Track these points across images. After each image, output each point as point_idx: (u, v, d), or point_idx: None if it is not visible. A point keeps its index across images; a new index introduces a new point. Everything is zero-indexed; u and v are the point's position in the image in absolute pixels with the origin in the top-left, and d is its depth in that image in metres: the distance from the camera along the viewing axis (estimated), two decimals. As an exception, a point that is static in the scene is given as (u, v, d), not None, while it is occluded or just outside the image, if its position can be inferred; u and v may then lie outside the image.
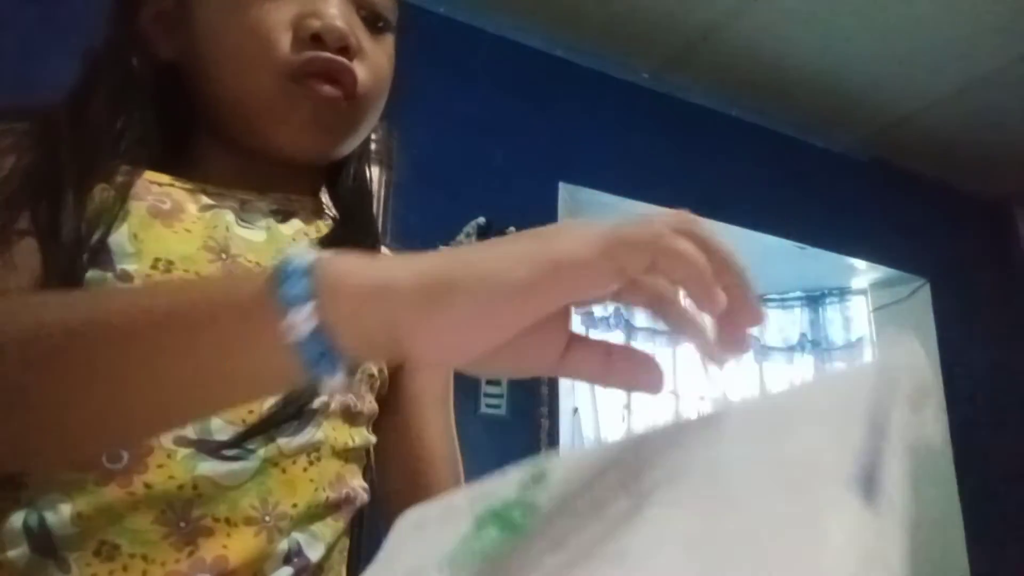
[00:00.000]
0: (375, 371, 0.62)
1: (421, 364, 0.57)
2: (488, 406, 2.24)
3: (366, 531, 0.65)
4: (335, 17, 0.57)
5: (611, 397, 3.04)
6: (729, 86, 2.96)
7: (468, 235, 2.31)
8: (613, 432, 2.98)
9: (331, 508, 0.55)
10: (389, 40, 0.64)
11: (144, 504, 0.47)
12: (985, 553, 2.93)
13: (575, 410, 2.59)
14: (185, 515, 0.48)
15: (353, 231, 0.65)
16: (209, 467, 0.49)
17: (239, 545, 0.49)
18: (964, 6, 2.50)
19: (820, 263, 3.19)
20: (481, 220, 2.33)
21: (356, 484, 0.59)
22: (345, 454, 0.57)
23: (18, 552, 0.45)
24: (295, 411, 0.53)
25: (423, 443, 0.67)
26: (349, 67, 0.58)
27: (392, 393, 0.67)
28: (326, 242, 0.62)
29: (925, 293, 3.25)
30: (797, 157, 3.18)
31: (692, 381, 3.26)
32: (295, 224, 0.63)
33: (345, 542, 0.60)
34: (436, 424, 0.67)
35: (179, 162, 0.62)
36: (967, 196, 3.57)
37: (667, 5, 2.56)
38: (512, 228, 2.40)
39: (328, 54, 0.57)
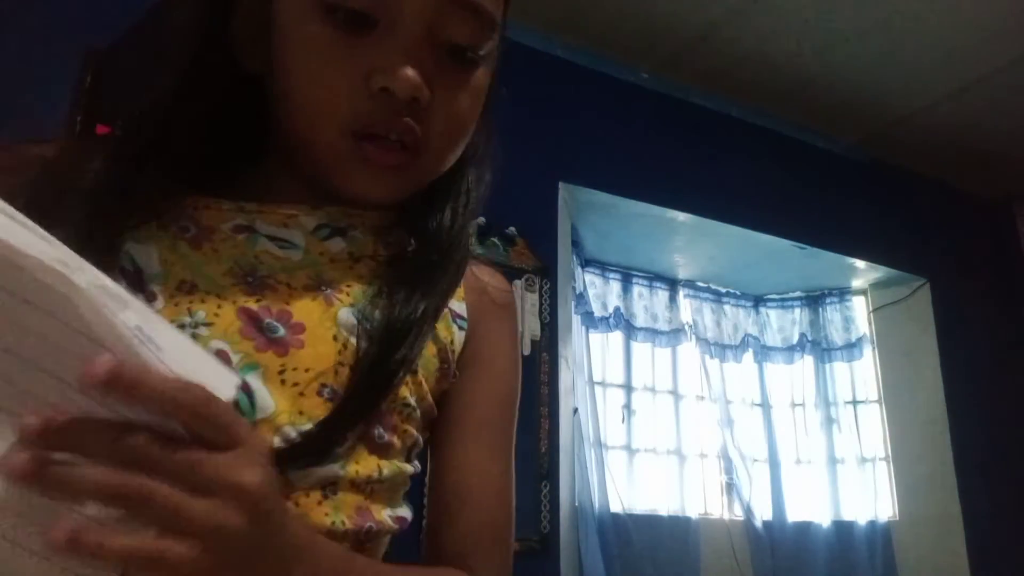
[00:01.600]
0: (412, 401, 0.58)
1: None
2: (488, 406, 2.23)
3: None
4: (405, 68, 0.53)
5: (611, 397, 3.04)
6: (729, 86, 2.96)
7: (468, 235, 2.31)
8: (613, 432, 2.98)
9: (349, 539, 0.53)
10: (479, 73, 0.59)
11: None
12: (985, 553, 2.93)
13: (575, 410, 2.59)
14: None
15: (430, 271, 0.60)
16: None
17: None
18: (964, 7, 2.50)
19: (820, 263, 3.19)
20: (481, 220, 2.33)
21: (385, 515, 0.56)
22: (368, 486, 0.54)
23: None
24: (316, 450, 0.51)
25: (458, 474, 0.61)
26: (411, 127, 0.55)
27: (437, 420, 0.62)
28: (398, 272, 0.59)
29: (925, 293, 3.25)
30: (797, 157, 3.18)
31: (692, 381, 3.26)
32: (340, 243, 0.60)
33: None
34: (476, 453, 0.61)
35: (241, 174, 0.62)
36: (967, 196, 3.57)
37: (667, 5, 2.56)
38: (512, 228, 2.40)
39: (392, 114, 0.55)
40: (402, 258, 0.61)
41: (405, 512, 0.59)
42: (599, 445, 2.79)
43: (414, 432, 0.59)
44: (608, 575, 2.62)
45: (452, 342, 0.61)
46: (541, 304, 2.40)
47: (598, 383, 2.95)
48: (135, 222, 0.55)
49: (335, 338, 0.54)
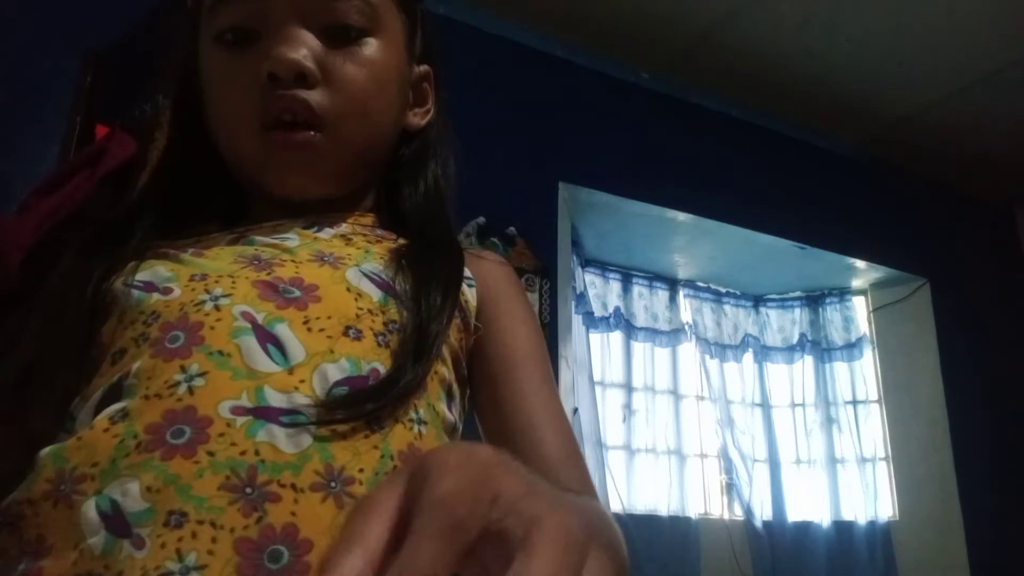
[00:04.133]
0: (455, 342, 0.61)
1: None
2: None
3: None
4: (283, 51, 0.58)
5: (611, 397, 3.05)
6: (729, 86, 2.96)
7: (468, 235, 2.31)
8: (613, 432, 2.99)
9: None
10: (369, 45, 0.63)
11: (209, 471, 0.47)
12: (985, 553, 2.93)
13: (575, 410, 2.59)
14: (251, 481, 0.48)
15: (427, 245, 0.64)
16: (268, 434, 0.49)
17: (307, 512, 0.48)
18: (964, 7, 2.51)
19: (820, 263, 3.19)
20: (481, 220, 2.33)
21: None
22: (410, 424, 0.56)
23: (96, 538, 0.46)
24: (392, 396, 0.53)
25: (524, 407, 0.62)
26: (299, 98, 0.59)
27: (479, 364, 0.65)
28: (402, 258, 0.62)
29: (925, 293, 3.25)
30: (797, 157, 3.18)
31: (692, 381, 3.26)
32: (330, 232, 0.64)
33: None
34: (532, 384, 0.63)
35: (233, 213, 0.69)
36: (967, 196, 3.57)
37: (667, 5, 2.56)
38: (512, 228, 2.40)
39: (281, 91, 0.59)
40: (398, 246, 0.64)
41: None
42: (599, 445, 2.79)
43: (445, 372, 0.60)
44: (608, 575, 2.62)
45: (466, 300, 0.64)
46: (541, 304, 2.40)
47: (598, 383, 2.95)
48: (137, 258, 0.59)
49: (348, 289, 0.57)
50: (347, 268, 0.58)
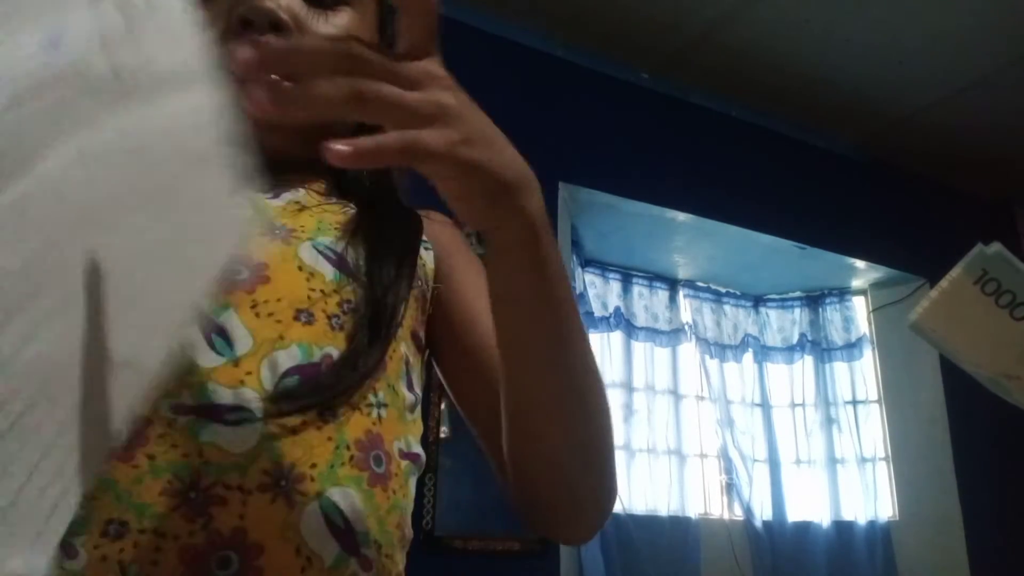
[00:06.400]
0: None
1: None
2: (488, 406, 2.23)
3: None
4: None
5: (611, 397, 3.04)
6: (729, 86, 2.96)
7: (468, 235, 2.31)
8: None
9: (360, 468, 0.51)
10: (345, 13, 0.61)
11: (149, 476, 0.44)
12: (985, 553, 2.93)
13: (575, 410, 2.59)
14: (195, 484, 0.45)
15: (379, 214, 0.62)
16: (212, 433, 0.46)
17: (256, 514, 0.46)
18: (964, 6, 2.50)
19: (820, 263, 3.19)
20: (481, 220, 2.33)
21: (394, 447, 0.55)
22: (368, 409, 0.53)
23: None
24: (343, 387, 0.50)
25: (477, 333, 0.61)
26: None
27: (436, 311, 0.63)
28: (355, 230, 0.59)
29: (925, 293, 3.24)
30: (797, 157, 3.18)
31: (692, 381, 3.26)
32: (285, 197, 0.61)
33: (397, 519, 0.55)
34: (487, 314, 0.59)
35: None
36: (967, 196, 3.57)
37: (667, 5, 2.56)
38: (512, 228, 2.40)
39: (253, 37, 0.55)
40: (352, 216, 0.62)
41: (417, 449, 0.58)
42: (599, 445, 2.79)
43: (404, 349, 0.58)
44: (608, 575, 2.62)
45: (424, 264, 0.63)
46: (541, 304, 2.39)
47: (598, 383, 2.95)
48: None
49: (300, 268, 0.54)
50: (299, 243, 0.56)
